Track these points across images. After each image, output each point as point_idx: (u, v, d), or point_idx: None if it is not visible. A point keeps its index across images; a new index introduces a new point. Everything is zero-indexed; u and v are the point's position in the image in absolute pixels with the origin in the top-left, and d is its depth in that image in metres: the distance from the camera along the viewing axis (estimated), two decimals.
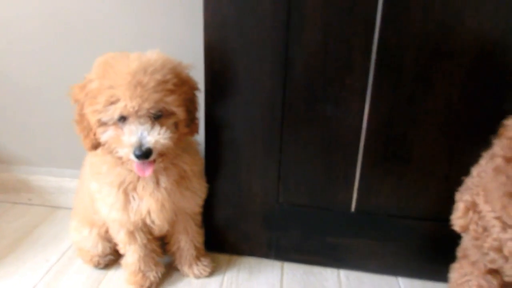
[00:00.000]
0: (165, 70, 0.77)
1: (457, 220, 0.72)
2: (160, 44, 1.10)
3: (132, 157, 0.77)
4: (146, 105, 0.74)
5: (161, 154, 0.81)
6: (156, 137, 0.76)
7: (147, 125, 0.77)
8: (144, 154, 0.76)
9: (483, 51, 0.82)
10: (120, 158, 0.81)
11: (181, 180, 0.91)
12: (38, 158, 1.33)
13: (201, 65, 0.92)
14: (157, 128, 0.77)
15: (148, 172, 0.80)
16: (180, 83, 0.80)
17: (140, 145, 0.76)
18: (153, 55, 0.79)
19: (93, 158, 0.90)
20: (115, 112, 0.75)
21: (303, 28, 0.86)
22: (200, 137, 0.96)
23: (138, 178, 0.86)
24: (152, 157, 0.78)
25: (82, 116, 0.80)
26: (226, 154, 1.00)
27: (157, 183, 0.87)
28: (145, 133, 0.76)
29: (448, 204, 0.94)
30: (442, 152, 0.91)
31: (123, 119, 0.77)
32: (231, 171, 1.02)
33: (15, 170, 1.36)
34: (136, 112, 0.75)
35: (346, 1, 0.83)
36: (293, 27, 0.86)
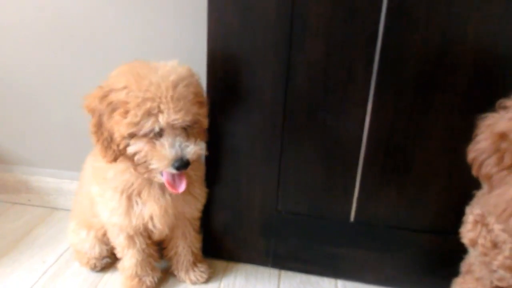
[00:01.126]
0: (195, 83, 0.80)
1: (467, 233, 0.70)
2: (163, 50, 1.11)
3: (171, 169, 0.77)
4: (188, 118, 0.76)
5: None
6: (194, 148, 0.78)
7: (182, 137, 0.78)
8: (184, 165, 0.77)
9: (485, 65, 0.82)
10: (151, 170, 0.79)
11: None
12: (39, 159, 1.34)
13: (204, 72, 0.92)
14: (191, 139, 0.79)
15: (182, 187, 0.81)
16: (203, 95, 0.83)
17: (180, 157, 0.76)
18: (179, 67, 0.79)
19: (97, 163, 0.88)
20: (155, 124, 0.74)
21: (306, 38, 0.86)
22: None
23: (145, 184, 0.86)
24: (188, 168, 0.79)
25: (100, 127, 0.78)
26: (226, 160, 1.00)
27: (163, 189, 0.87)
28: (183, 145, 0.77)
29: (447, 216, 0.94)
30: (441, 164, 0.90)
31: (160, 131, 0.76)
32: (230, 178, 1.02)
33: (16, 171, 1.36)
34: (173, 124, 0.75)
35: (349, 13, 0.83)
36: (296, 37, 0.87)
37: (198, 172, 0.94)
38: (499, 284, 0.68)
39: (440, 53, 0.82)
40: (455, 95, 0.85)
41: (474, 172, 0.63)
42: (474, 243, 0.69)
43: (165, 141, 0.76)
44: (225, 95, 0.94)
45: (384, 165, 0.93)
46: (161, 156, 0.76)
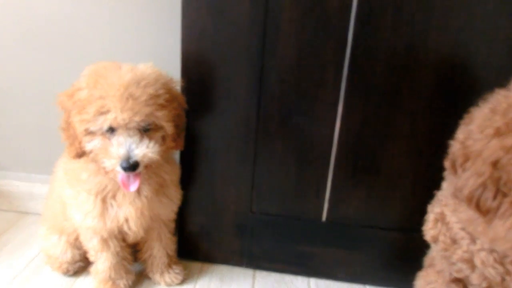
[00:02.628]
0: (158, 85, 0.78)
1: (428, 231, 0.74)
2: (138, 53, 1.11)
3: (119, 169, 0.77)
4: (137, 118, 0.74)
5: (146, 166, 0.81)
6: (144, 150, 0.77)
7: (136, 138, 0.77)
8: (131, 167, 0.76)
9: (446, 71, 0.87)
10: (104, 168, 0.80)
11: (160, 188, 0.91)
12: (8, 162, 1.30)
13: (178, 75, 0.93)
14: (145, 141, 0.78)
15: (134, 187, 0.80)
16: (171, 99, 0.81)
17: (128, 158, 0.76)
18: (146, 68, 0.79)
19: (70, 165, 0.88)
20: (104, 122, 0.74)
21: (279, 43, 0.89)
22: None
23: (119, 187, 0.86)
24: (138, 170, 0.78)
25: (68, 124, 0.79)
26: (201, 162, 1.02)
27: (138, 192, 0.87)
28: (134, 146, 0.76)
29: (414, 215, 0.98)
30: (408, 165, 0.95)
31: (111, 130, 0.77)
32: (205, 180, 1.03)
33: None
34: (126, 124, 0.75)
35: (320, 19, 0.86)
36: (269, 41, 0.89)
37: (173, 176, 0.94)
38: (457, 275, 0.72)
39: (405, 60, 0.87)
40: (419, 100, 0.90)
41: (472, 208, 0.58)
42: (435, 239, 0.73)
43: (115, 140, 0.77)
44: (199, 98, 0.95)
45: (354, 167, 0.97)
46: (110, 155, 0.77)
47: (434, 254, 0.79)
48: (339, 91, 0.91)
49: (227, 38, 0.90)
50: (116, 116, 0.73)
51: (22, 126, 1.25)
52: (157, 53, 1.10)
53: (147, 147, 0.77)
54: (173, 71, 0.89)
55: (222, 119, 0.96)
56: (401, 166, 0.95)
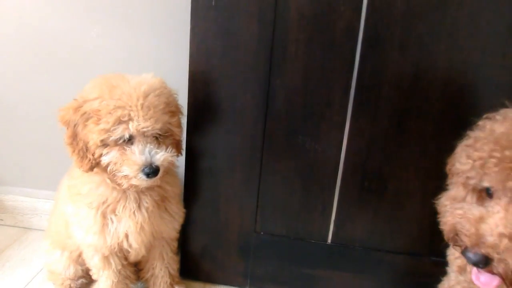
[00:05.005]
0: (167, 93, 0.82)
1: (454, 260, 0.71)
2: (144, 71, 1.12)
3: (141, 175, 0.78)
4: (158, 126, 0.78)
5: (166, 172, 0.83)
6: (164, 155, 0.79)
7: (154, 144, 0.80)
8: (154, 172, 0.78)
9: (455, 91, 0.86)
10: (124, 177, 0.80)
11: (161, 202, 0.91)
12: (13, 178, 1.31)
13: (185, 93, 0.93)
14: (162, 147, 0.81)
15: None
16: (177, 106, 0.85)
17: (150, 163, 0.78)
18: (152, 78, 0.82)
19: (71, 181, 0.89)
20: (125, 131, 0.76)
21: (286, 63, 0.89)
22: (177, 161, 0.96)
23: (120, 198, 0.86)
24: (159, 175, 0.80)
25: (75, 138, 0.80)
26: (205, 181, 1.01)
27: (139, 203, 0.87)
28: (153, 152, 0.79)
29: (422, 238, 0.96)
30: (416, 187, 0.93)
31: (129, 139, 0.78)
32: (209, 198, 1.02)
33: None
34: (144, 132, 0.77)
35: (327, 40, 0.87)
36: (275, 62, 0.90)
37: (174, 188, 0.94)
38: None
39: (413, 81, 0.87)
40: (427, 121, 0.89)
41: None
42: (462, 269, 0.69)
43: (136, 148, 0.78)
44: (205, 116, 0.96)
45: (360, 188, 0.95)
46: (131, 162, 0.78)
47: (453, 283, 0.75)
48: (346, 111, 0.91)
49: (234, 58, 0.91)
50: (138, 124, 0.76)
51: (27, 142, 1.26)
52: (164, 72, 1.10)
53: (166, 152, 0.80)
54: (181, 89, 0.90)
55: (227, 138, 0.96)
56: (409, 188, 0.94)
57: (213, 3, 0.88)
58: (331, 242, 1.01)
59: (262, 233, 1.03)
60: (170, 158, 0.80)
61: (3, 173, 1.31)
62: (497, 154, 0.55)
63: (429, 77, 0.86)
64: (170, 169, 0.93)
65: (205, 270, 1.10)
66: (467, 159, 0.60)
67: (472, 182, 0.60)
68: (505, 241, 0.53)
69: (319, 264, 1.03)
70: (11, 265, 1.15)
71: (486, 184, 0.57)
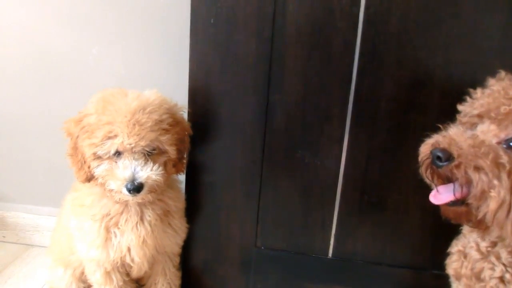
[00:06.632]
0: (162, 110, 0.82)
1: (451, 264, 0.72)
2: (145, 88, 1.13)
3: (124, 191, 0.79)
4: (142, 143, 0.78)
5: (151, 191, 0.82)
6: (149, 172, 0.79)
7: (141, 161, 0.80)
8: (136, 188, 0.78)
9: (452, 105, 0.87)
10: (110, 190, 0.82)
11: (164, 217, 0.92)
12: (15, 195, 1.31)
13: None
14: (149, 164, 0.80)
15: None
16: (174, 123, 0.84)
17: (133, 179, 0.78)
18: (151, 95, 0.83)
19: (75, 193, 0.91)
20: (112, 146, 0.77)
21: (284, 78, 0.90)
22: (180, 176, 0.97)
23: (122, 210, 0.87)
24: (142, 192, 0.80)
25: (76, 149, 0.82)
26: (205, 196, 1.01)
27: (141, 217, 0.88)
28: (138, 168, 0.79)
29: (423, 252, 0.96)
30: (416, 200, 0.93)
31: (118, 153, 0.79)
32: (209, 214, 1.02)
33: None
34: (132, 148, 0.78)
35: (325, 55, 0.88)
36: (274, 77, 0.91)
37: (177, 203, 0.94)
38: None
39: (410, 95, 0.87)
40: (425, 134, 0.89)
41: None
42: (458, 275, 0.69)
43: (121, 163, 0.79)
44: (205, 132, 0.96)
45: (360, 202, 0.95)
46: (116, 177, 0.79)
47: None
48: (344, 126, 0.91)
49: (233, 74, 0.92)
50: (123, 140, 0.76)
51: (30, 159, 1.27)
52: (164, 88, 1.12)
53: (151, 169, 0.80)
54: (181, 104, 0.90)
55: (227, 153, 0.97)
56: (409, 201, 0.94)
57: (212, 20, 0.90)
58: (332, 256, 1.01)
59: (262, 247, 1.03)
60: (154, 177, 0.80)
61: (5, 190, 1.32)
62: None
63: (426, 90, 0.87)
64: (173, 185, 0.94)
65: (206, 286, 1.09)
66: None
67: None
68: (470, 143, 0.59)
69: (320, 278, 1.03)
70: (13, 282, 1.15)
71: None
